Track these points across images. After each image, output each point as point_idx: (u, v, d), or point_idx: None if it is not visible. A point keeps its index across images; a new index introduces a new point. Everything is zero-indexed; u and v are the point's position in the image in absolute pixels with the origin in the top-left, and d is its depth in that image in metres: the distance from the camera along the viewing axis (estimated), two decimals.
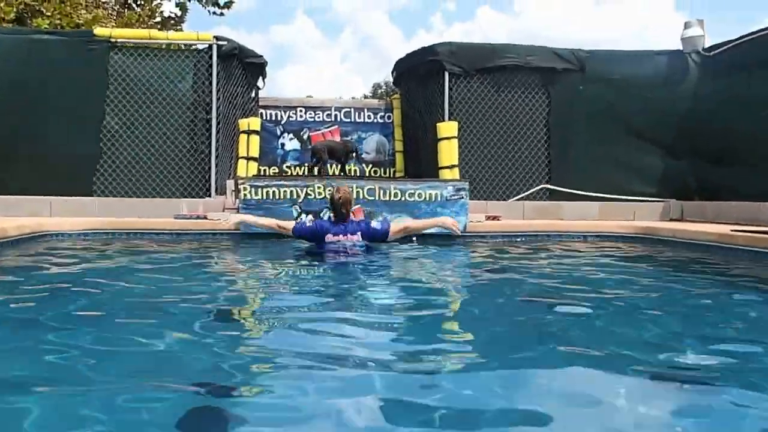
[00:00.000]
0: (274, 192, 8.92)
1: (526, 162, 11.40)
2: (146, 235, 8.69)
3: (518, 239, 8.98)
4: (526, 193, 11.26)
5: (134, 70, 10.38)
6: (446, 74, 11.05)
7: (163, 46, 10.70)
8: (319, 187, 8.97)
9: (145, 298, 4.26)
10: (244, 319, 3.90)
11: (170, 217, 9.44)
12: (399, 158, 12.28)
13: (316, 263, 6.17)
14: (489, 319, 3.88)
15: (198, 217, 9.37)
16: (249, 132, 10.16)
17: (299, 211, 8.98)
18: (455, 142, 9.86)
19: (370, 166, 12.02)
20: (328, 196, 6.66)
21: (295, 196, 8.96)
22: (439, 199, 9.12)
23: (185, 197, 10.25)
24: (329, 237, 6.47)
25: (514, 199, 11.13)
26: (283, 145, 12.13)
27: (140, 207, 9.86)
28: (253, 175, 9.87)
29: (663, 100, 11.41)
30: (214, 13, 18.45)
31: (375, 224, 6.77)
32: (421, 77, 11.60)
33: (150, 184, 10.37)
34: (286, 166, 11.87)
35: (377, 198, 9.04)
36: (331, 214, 6.75)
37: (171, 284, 4.94)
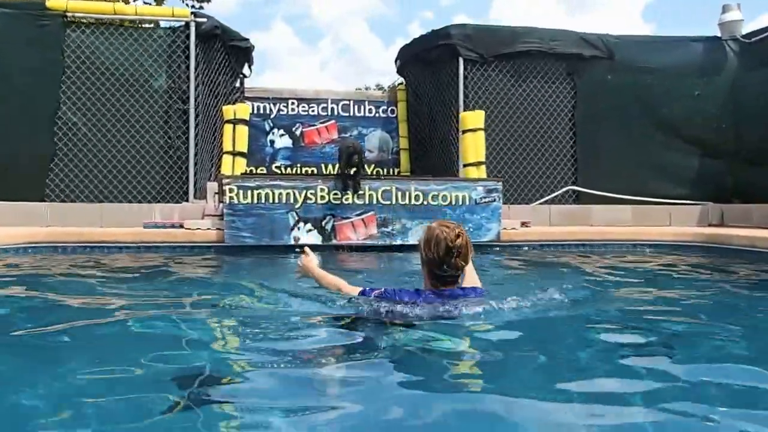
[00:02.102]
0: (267, 194, 6.86)
1: (551, 161, 9.48)
2: (106, 250, 6.57)
3: (563, 249, 7.05)
4: (551, 196, 9.34)
5: (96, 51, 8.22)
6: (461, 60, 9.08)
7: (131, 23, 8.56)
8: (322, 189, 6.92)
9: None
10: None
11: (139, 226, 7.32)
12: (404, 157, 10.28)
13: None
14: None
15: (173, 226, 7.27)
16: (235, 121, 8.03)
17: (296, 218, 6.92)
18: (482, 134, 7.88)
19: (372, 165, 10.01)
20: (428, 237, 3.06)
21: (292, 200, 6.91)
22: (467, 202, 7.15)
23: (158, 202, 8.12)
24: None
25: (539, 202, 9.20)
26: (272, 142, 10.02)
27: (103, 214, 7.70)
28: (242, 174, 7.77)
29: (699, 92, 9.61)
30: (193, 6, 16.29)
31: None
32: (432, 64, 9.61)
33: (115, 186, 8.21)
34: (276, 167, 9.80)
35: (394, 201, 7.04)
36: (424, 275, 3.20)
37: (125, 345, 2.87)
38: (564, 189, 9.46)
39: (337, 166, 8.03)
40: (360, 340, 2.83)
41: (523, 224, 7.87)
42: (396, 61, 10.64)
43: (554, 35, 9.35)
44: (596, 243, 7.29)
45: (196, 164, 8.30)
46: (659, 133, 9.63)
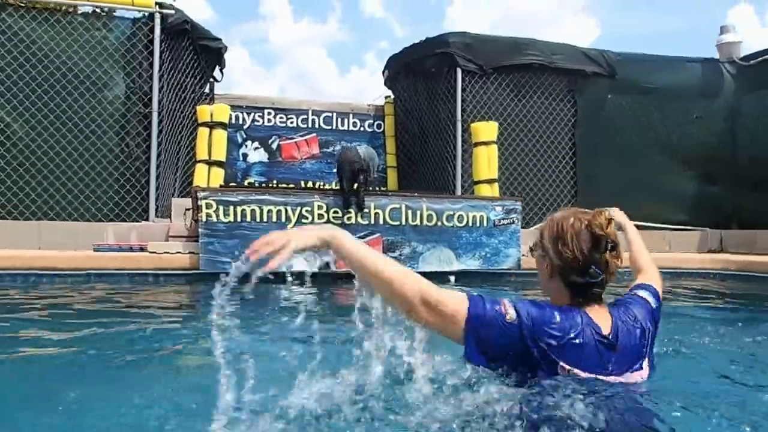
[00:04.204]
0: (253, 211, 5.28)
1: (550, 182, 8.27)
2: (45, 278, 4.87)
3: None
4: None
5: (38, 42, 6.50)
6: (459, 71, 7.80)
7: (83, 11, 6.86)
8: (320, 206, 5.40)
9: None
10: None
11: (88, 248, 5.59)
12: (391, 175, 8.85)
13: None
14: None
15: (132, 249, 5.58)
16: (212, 125, 6.39)
17: None
18: (495, 148, 6.56)
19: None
20: (558, 230, 1.79)
21: (284, 219, 5.36)
22: (485, 224, 5.79)
23: (110, 221, 6.40)
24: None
25: (538, 226, 7.93)
26: (245, 155, 8.40)
27: (41, 234, 5.94)
28: (221, 186, 6.13)
29: (697, 115, 8.70)
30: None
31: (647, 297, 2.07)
32: (425, 75, 8.28)
33: (58, 202, 6.43)
34: (248, 184, 8.20)
35: (404, 222, 5.59)
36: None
37: None
38: None
39: (336, 183, 6.54)
40: None
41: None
42: (383, 72, 9.26)
43: (556, 49, 8.22)
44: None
45: (158, 177, 6.62)
46: (659, 156, 8.63)
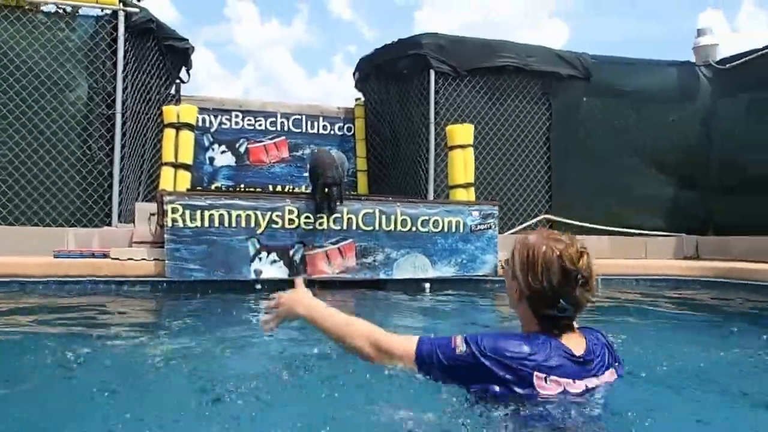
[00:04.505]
0: (221, 216, 5.37)
1: (524, 186, 8.48)
2: (2, 286, 4.89)
3: None
4: (525, 225, 8.30)
5: None
6: (432, 73, 7.97)
7: (43, 8, 6.86)
8: (291, 211, 5.51)
9: None
10: None
11: (49, 254, 5.61)
12: (361, 179, 8.98)
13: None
14: None
15: (94, 255, 5.61)
16: (179, 126, 6.45)
17: (258, 246, 5.46)
18: (471, 151, 6.73)
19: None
20: (530, 257, 1.84)
21: (253, 224, 5.46)
22: (461, 229, 5.95)
23: (71, 225, 6.42)
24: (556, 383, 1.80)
25: (512, 232, 8.12)
26: (211, 159, 8.46)
27: (1, 240, 5.93)
28: (188, 190, 6.19)
29: (673, 119, 8.96)
30: None
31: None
32: (397, 78, 8.44)
33: (17, 206, 6.43)
34: (215, 188, 8.25)
35: (377, 227, 5.73)
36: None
37: None
38: (539, 218, 8.47)
39: (307, 187, 6.63)
40: None
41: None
42: (354, 74, 9.41)
43: (530, 51, 8.45)
44: (620, 278, 6.31)
45: (122, 180, 6.67)
46: (635, 161, 8.89)
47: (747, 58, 8.76)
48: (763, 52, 8.54)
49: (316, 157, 6.02)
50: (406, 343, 1.88)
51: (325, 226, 5.59)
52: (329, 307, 2.07)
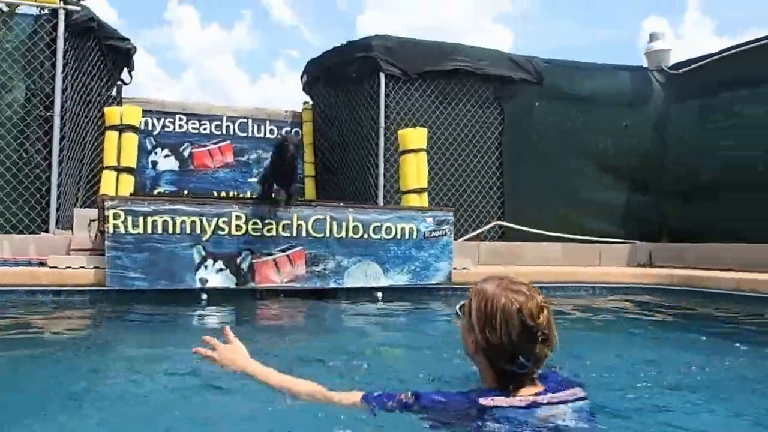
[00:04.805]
0: (165, 223, 5.44)
1: (476, 192, 8.75)
2: None
3: None
4: (478, 231, 8.58)
5: None
6: (382, 76, 8.17)
7: None
8: (238, 217, 5.61)
9: None
10: None
11: None
12: (309, 185, 9.13)
13: None
14: None
15: (30, 263, 5.59)
16: (122, 128, 6.46)
17: (204, 254, 5.54)
18: (424, 156, 6.93)
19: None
20: (487, 309, 1.85)
21: (198, 231, 5.55)
22: (414, 236, 6.14)
23: (7, 233, 6.37)
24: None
25: (465, 238, 8.36)
26: (154, 163, 8.47)
27: None
28: (131, 195, 6.20)
29: (626, 125, 9.32)
30: None
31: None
32: (347, 80, 8.62)
33: None
34: (158, 193, 8.24)
35: (328, 234, 5.88)
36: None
37: None
38: (491, 224, 8.74)
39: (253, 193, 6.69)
40: None
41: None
42: (302, 78, 9.56)
43: (482, 54, 8.77)
44: (557, 285, 6.53)
45: (60, 185, 6.65)
46: (587, 166, 9.25)
47: (699, 64, 9.18)
48: (715, 58, 9.00)
49: (285, 136, 6.11)
50: (351, 398, 1.95)
51: (274, 232, 5.73)
52: (265, 368, 2.14)
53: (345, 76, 8.65)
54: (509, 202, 8.94)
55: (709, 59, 9.07)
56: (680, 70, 9.42)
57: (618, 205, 9.37)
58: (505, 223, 8.81)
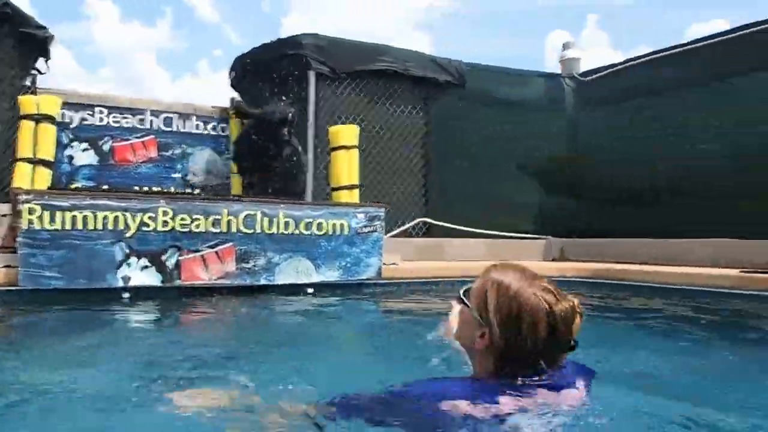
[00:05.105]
0: (86, 218, 5.05)
1: (402, 190, 8.70)
2: None
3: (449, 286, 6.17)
4: (404, 228, 8.52)
5: None
6: (312, 75, 7.96)
7: None
8: (165, 212, 5.29)
9: None
10: None
11: None
12: (236, 182, 8.74)
13: None
14: None
15: None
16: (38, 118, 5.96)
17: (127, 251, 5.19)
18: (356, 153, 6.77)
19: (197, 191, 8.35)
20: (511, 305, 1.61)
21: (122, 227, 5.18)
22: (345, 232, 5.98)
23: None
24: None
25: (390, 234, 8.28)
26: (70, 158, 7.88)
27: None
28: (48, 189, 5.71)
29: (541, 128, 9.55)
30: None
31: None
32: (276, 77, 8.33)
33: None
34: (75, 188, 7.70)
35: (259, 230, 5.63)
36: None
37: None
38: (416, 221, 8.70)
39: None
40: None
41: None
42: (230, 73, 9.19)
43: (409, 56, 8.71)
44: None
45: None
46: (505, 167, 9.38)
47: (605, 72, 9.55)
48: (619, 67, 9.38)
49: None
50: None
51: (202, 228, 5.42)
52: None
53: (274, 73, 8.36)
54: (434, 200, 8.95)
55: (614, 68, 9.44)
56: (588, 78, 9.72)
57: (534, 205, 9.57)
58: (429, 220, 8.80)
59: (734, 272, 6.06)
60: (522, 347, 1.58)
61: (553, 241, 9.45)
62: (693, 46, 8.33)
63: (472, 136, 9.15)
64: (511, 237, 9.14)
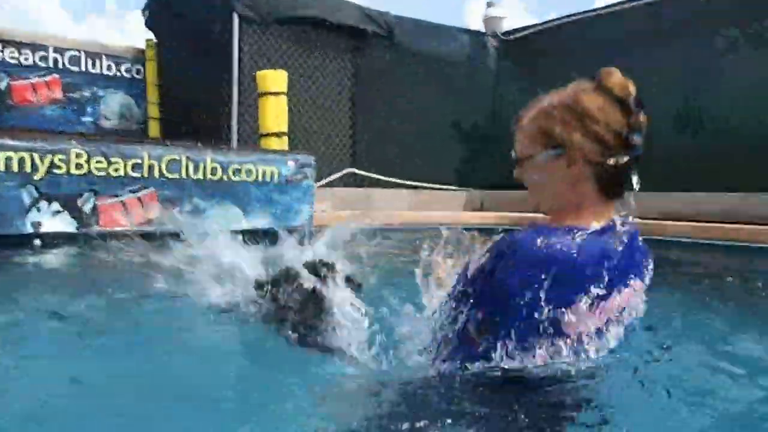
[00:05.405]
0: None
1: (330, 141, 8.35)
2: None
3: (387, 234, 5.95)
4: (331, 178, 8.20)
5: None
6: (236, 18, 7.38)
7: None
8: (79, 154, 4.72)
9: None
10: None
11: None
12: (153, 126, 8.08)
13: None
14: None
15: None
16: None
17: (36, 195, 4.61)
18: (284, 99, 6.31)
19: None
20: (569, 100, 1.53)
21: (28, 169, 4.57)
22: (275, 179, 5.61)
23: None
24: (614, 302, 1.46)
25: (319, 184, 7.95)
26: None
27: None
28: None
29: (464, 84, 9.44)
30: None
31: None
32: (197, 18, 7.68)
33: None
34: None
35: (184, 175, 5.16)
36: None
37: None
38: (343, 171, 8.41)
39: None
40: None
41: None
42: (143, 12, 8.39)
43: (338, 5, 8.24)
44: (409, 228, 6.38)
45: None
46: (430, 121, 9.19)
47: (527, 32, 9.54)
48: (541, 28, 9.38)
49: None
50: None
51: (121, 172, 4.87)
52: None
53: (194, 13, 7.69)
54: (361, 152, 8.65)
55: (536, 28, 9.45)
56: (511, 37, 9.66)
57: (456, 158, 9.51)
58: (356, 171, 8.54)
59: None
60: (611, 132, 1.45)
61: (474, 193, 9.48)
62: (615, 8, 8.44)
63: (399, 88, 8.88)
64: (435, 188, 9.09)
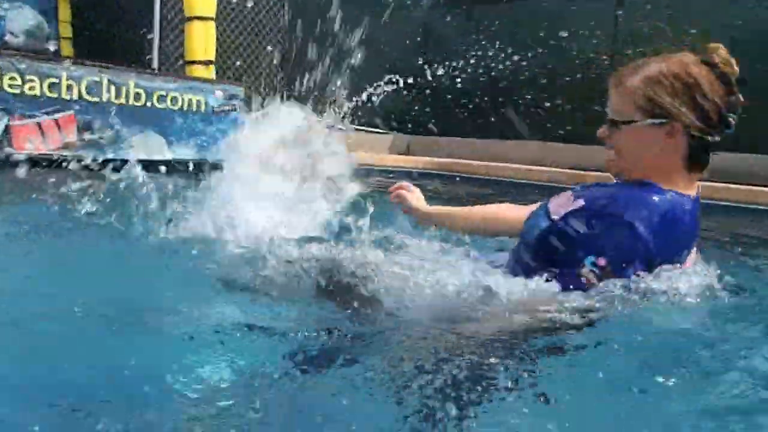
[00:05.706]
0: None
1: (258, 72, 8.04)
2: None
3: None
4: (260, 113, 7.87)
5: None
6: None
7: None
8: (50, 75, 4.29)
9: None
10: None
11: None
12: (66, 47, 7.41)
13: None
14: None
15: None
16: None
17: (5, 123, 4.19)
18: (213, 25, 5.91)
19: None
20: (675, 70, 1.47)
21: None
22: (203, 109, 5.33)
23: None
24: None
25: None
26: None
27: None
28: None
29: (395, 25, 9.13)
30: None
31: None
32: None
33: None
34: None
35: (106, 98, 4.79)
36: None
37: None
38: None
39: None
40: None
41: None
42: None
43: None
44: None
45: None
46: (361, 60, 8.94)
47: None
48: None
49: None
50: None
51: (37, 91, 4.46)
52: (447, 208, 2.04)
53: None
54: (290, 85, 8.40)
55: None
56: None
57: (383, 101, 9.37)
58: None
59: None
60: (715, 110, 1.47)
61: (401, 137, 9.42)
62: None
63: (329, 25, 8.57)
64: (361, 130, 8.95)
